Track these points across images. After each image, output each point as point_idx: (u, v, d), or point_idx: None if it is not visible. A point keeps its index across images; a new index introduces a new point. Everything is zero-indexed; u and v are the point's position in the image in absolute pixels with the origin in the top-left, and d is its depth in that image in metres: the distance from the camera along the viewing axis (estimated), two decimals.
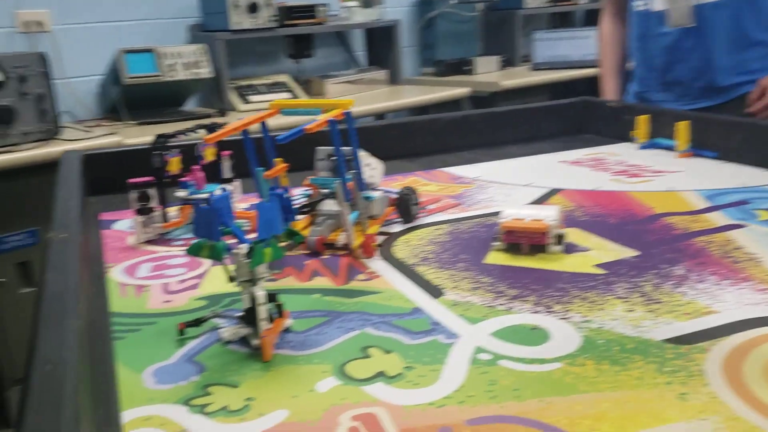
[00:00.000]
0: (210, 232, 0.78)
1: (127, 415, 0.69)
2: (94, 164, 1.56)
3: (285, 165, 1.10)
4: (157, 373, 0.77)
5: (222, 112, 3.04)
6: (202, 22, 3.32)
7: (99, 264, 1.13)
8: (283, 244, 0.86)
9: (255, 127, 1.03)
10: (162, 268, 1.09)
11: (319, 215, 1.13)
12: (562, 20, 4.79)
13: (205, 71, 2.96)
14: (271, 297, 0.85)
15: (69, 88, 3.08)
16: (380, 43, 3.86)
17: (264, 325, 0.80)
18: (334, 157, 1.10)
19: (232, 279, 0.82)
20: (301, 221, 1.13)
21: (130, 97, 2.93)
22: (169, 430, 0.66)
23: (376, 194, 1.15)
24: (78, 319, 0.67)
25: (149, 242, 1.21)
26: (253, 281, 0.81)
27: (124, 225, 1.31)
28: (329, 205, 1.13)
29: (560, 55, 4.23)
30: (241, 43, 3.45)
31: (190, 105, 3.32)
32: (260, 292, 0.80)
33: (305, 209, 1.14)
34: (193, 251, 0.79)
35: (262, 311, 0.80)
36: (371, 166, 1.15)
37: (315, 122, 0.95)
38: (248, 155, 1.02)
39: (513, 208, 1.12)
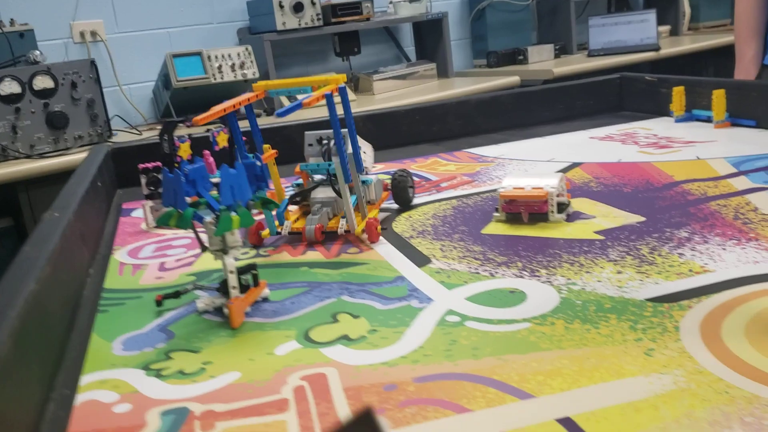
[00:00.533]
0: (177, 200, 0.78)
1: (85, 379, 0.69)
2: (124, 157, 1.60)
3: (274, 152, 1.07)
4: (127, 341, 0.77)
5: (269, 112, 3.08)
6: (250, 25, 3.37)
7: (109, 246, 1.15)
8: (255, 211, 0.86)
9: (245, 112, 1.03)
10: (164, 248, 1.11)
11: (314, 203, 1.08)
12: (618, 5, 4.65)
13: (251, 72, 3.00)
14: (249, 267, 0.84)
15: (123, 95, 3.18)
16: (429, 37, 3.84)
17: (233, 293, 0.79)
18: (325, 141, 1.05)
19: (204, 248, 0.82)
20: (294, 212, 1.10)
21: (181, 100, 3.00)
22: (120, 392, 0.66)
23: (372, 177, 1.13)
24: (36, 285, 0.68)
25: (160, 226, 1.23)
26: (224, 250, 0.81)
27: (141, 213, 1.34)
28: (323, 192, 1.07)
29: (617, 40, 4.10)
30: (288, 43, 3.49)
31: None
32: (229, 260, 0.80)
33: (297, 198, 1.08)
34: (162, 221, 0.80)
35: (232, 279, 0.80)
36: (362, 150, 1.12)
37: (312, 96, 0.94)
38: (235, 137, 1.02)
39: (514, 178, 1.08)
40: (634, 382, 0.58)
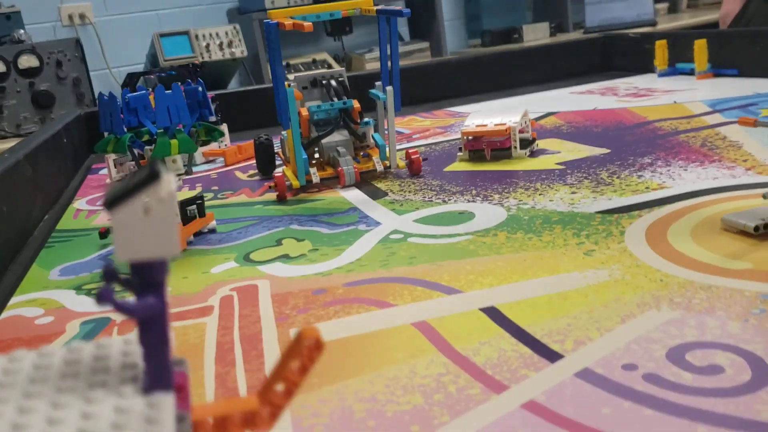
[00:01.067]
0: (112, 123, 0.76)
1: (14, 300, 0.67)
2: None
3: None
4: (65, 269, 0.75)
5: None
6: (240, 5, 3.35)
7: (70, 198, 1.13)
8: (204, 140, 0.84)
9: None
10: None
11: (330, 147, 0.98)
12: None
13: (239, 50, 2.98)
14: (195, 198, 0.82)
15: (112, 77, 3.16)
16: (422, 17, 3.80)
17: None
18: (324, 81, 0.99)
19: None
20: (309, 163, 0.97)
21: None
22: (46, 308, 0.64)
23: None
24: None
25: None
26: None
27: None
28: (338, 135, 0.98)
29: (614, 17, 4.05)
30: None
31: (233, 86, 3.36)
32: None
33: (308, 143, 0.97)
34: (101, 147, 0.78)
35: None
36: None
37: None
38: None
39: (478, 117, 1.06)
40: (567, 277, 0.56)
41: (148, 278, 0.24)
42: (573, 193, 0.79)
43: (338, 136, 0.98)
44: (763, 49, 1.45)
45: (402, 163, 0.98)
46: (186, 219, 0.79)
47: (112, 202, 0.23)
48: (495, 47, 3.75)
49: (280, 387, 0.26)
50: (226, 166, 1.23)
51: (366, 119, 0.99)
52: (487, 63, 1.82)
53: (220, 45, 2.99)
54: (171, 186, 0.24)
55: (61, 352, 0.26)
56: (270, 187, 0.94)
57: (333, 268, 0.65)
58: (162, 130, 0.76)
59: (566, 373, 0.41)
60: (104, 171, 1.32)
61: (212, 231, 0.83)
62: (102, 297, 0.24)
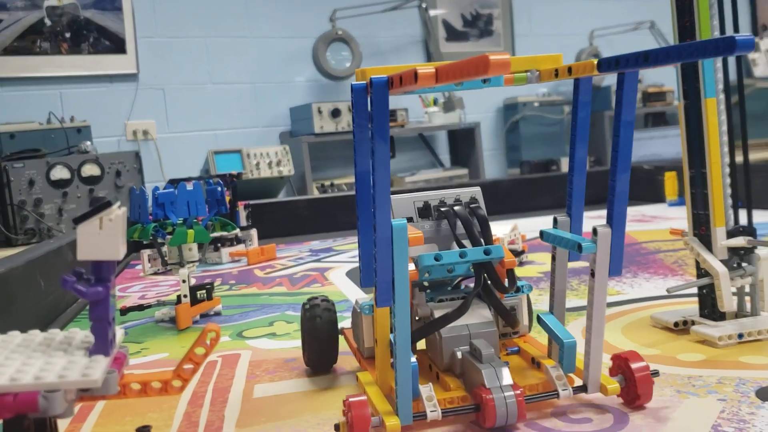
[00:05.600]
0: (140, 214, 0.89)
1: None
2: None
3: None
4: None
5: None
6: (291, 129, 3.60)
7: None
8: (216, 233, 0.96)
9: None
10: (150, 287, 1.21)
11: (449, 341, 0.56)
12: (654, 120, 4.77)
13: (286, 169, 3.19)
14: (206, 284, 0.93)
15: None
16: (462, 145, 4.00)
17: (183, 300, 0.88)
18: (444, 209, 0.59)
19: (164, 263, 0.92)
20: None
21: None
22: None
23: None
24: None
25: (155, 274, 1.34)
26: (181, 263, 0.90)
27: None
28: (477, 314, 0.57)
29: (653, 153, 4.19)
30: (326, 146, 3.69)
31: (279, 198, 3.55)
32: (183, 271, 0.89)
33: (417, 332, 0.55)
34: (128, 234, 0.90)
35: (183, 288, 0.88)
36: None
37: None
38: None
39: None
40: None
41: (98, 273, 0.34)
42: (539, 295, 0.87)
43: (473, 317, 0.57)
44: (762, 184, 1.53)
45: (613, 385, 0.52)
46: (195, 300, 0.90)
47: (78, 220, 0.34)
48: (523, 175, 3.89)
49: (188, 366, 0.35)
50: (249, 264, 1.35)
51: (521, 282, 0.62)
52: (507, 187, 1.94)
53: (269, 164, 3.21)
54: (118, 212, 0.34)
55: (42, 334, 0.36)
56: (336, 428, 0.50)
57: None
58: (181, 221, 0.88)
59: None
60: (140, 266, 1.45)
61: (218, 314, 0.93)
62: (65, 283, 0.34)
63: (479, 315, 0.56)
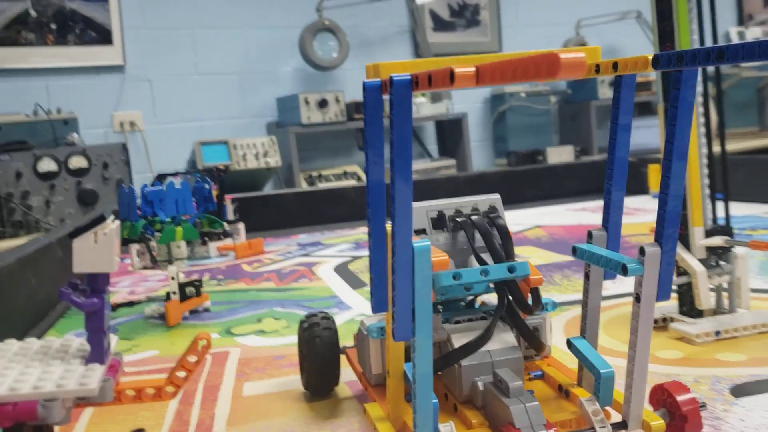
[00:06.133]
0: (129, 212, 0.90)
1: None
2: None
3: None
4: (77, 334, 0.87)
5: None
6: (278, 119, 3.60)
7: None
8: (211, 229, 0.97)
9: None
10: (139, 281, 1.22)
11: (468, 371, 0.50)
12: (640, 109, 4.80)
13: (273, 160, 3.19)
14: (194, 281, 0.94)
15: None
16: (450, 136, 4.01)
17: (172, 297, 0.89)
18: (461, 219, 0.54)
19: (153, 260, 0.92)
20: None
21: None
22: None
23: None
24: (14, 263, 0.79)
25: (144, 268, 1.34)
26: (170, 261, 0.91)
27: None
28: (500, 340, 0.51)
29: (639, 143, 4.22)
30: (314, 137, 3.70)
31: (266, 191, 3.56)
32: (171, 268, 0.90)
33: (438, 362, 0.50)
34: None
35: (172, 284, 0.89)
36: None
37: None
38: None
39: None
40: None
41: (93, 285, 0.36)
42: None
43: (494, 342, 0.51)
44: (745, 175, 1.55)
45: (657, 422, 0.47)
46: (184, 297, 0.91)
47: (74, 234, 0.35)
48: (514, 167, 3.91)
49: (181, 373, 0.37)
50: (237, 259, 1.36)
51: (545, 298, 0.56)
52: (493, 179, 1.95)
53: (256, 155, 3.21)
54: (112, 226, 0.36)
55: (39, 342, 0.38)
56: None
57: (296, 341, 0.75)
58: (170, 219, 0.89)
59: None
60: (128, 260, 1.46)
61: (206, 310, 0.94)
62: (62, 295, 0.35)
63: (501, 340, 0.51)
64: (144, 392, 0.36)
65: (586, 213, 1.59)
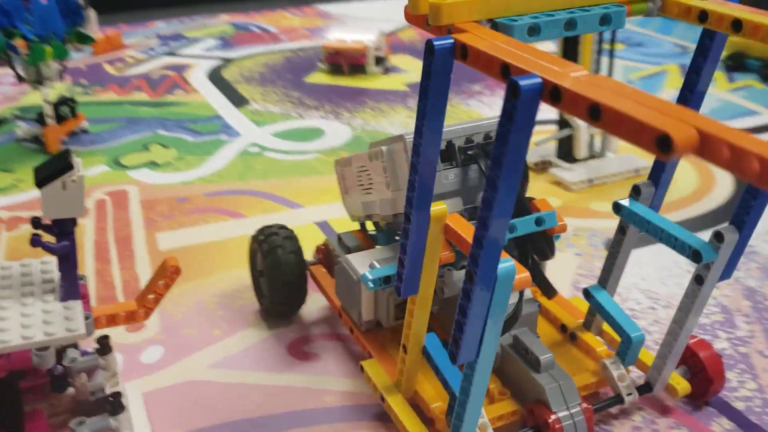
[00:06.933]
0: None
1: None
2: None
3: None
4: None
5: None
6: None
7: None
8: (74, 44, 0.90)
9: None
10: None
11: (533, 350, 0.45)
12: None
13: None
14: (67, 99, 0.89)
15: None
16: None
17: (49, 122, 0.84)
18: (472, 151, 0.46)
19: (20, 78, 0.85)
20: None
21: None
22: None
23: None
24: None
25: None
26: (40, 81, 0.85)
27: None
28: (530, 304, 0.49)
29: None
30: None
31: None
32: (45, 90, 0.84)
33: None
34: None
35: (47, 108, 0.84)
36: None
37: None
38: None
39: (339, 33, 1.15)
40: None
41: (63, 229, 0.35)
42: (408, 117, 0.92)
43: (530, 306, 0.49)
44: None
45: (682, 384, 0.48)
46: (59, 118, 0.86)
47: (43, 182, 0.34)
48: None
49: (151, 296, 0.38)
50: (95, 54, 1.26)
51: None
52: None
53: None
54: (79, 172, 0.34)
55: None
56: None
57: (195, 178, 0.76)
58: (37, 38, 0.81)
59: None
60: None
61: (84, 131, 0.90)
62: (35, 241, 0.34)
63: (529, 302, 0.47)
64: (117, 317, 0.37)
65: None
